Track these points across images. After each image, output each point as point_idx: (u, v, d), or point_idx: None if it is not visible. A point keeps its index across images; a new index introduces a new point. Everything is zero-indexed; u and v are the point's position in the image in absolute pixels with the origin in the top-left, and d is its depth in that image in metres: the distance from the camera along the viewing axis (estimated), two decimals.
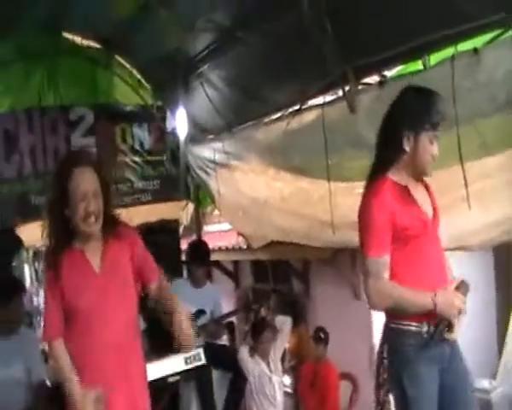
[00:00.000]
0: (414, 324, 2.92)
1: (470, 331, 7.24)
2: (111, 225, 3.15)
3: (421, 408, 2.94)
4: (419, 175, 3.05)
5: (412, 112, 2.94)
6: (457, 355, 3.08)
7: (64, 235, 3.09)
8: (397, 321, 2.98)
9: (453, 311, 2.88)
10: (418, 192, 3.05)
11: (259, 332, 6.01)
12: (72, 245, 3.11)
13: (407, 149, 2.95)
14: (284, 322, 6.25)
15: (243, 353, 5.97)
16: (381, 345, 3.09)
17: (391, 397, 3.19)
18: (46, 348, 3.67)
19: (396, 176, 2.99)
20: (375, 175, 3.03)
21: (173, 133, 7.20)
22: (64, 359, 3.07)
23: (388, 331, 3.05)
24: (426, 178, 3.14)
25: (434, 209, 3.08)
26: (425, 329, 2.91)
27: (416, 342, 2.92)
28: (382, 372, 3.07)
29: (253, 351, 5.97)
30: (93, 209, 3.00)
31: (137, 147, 7.38)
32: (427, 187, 3.13)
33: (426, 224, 2.98)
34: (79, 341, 3.07)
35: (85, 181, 3.02)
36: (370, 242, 2.93)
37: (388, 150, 3.01)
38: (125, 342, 3.15)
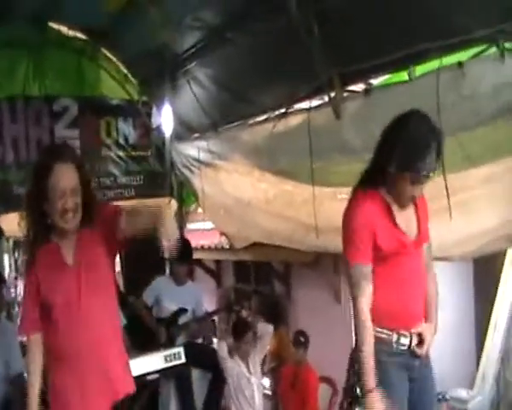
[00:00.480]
0: (385, 331, 3.02)
1: (449, 341, 7.37)
2: (88, 219, 3.12)
3: None
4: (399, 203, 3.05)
5: (400, 148, 2.88)
6: (427, 370, 3.19)
7: (42, 229, 3.10)
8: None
9: None
10: (403, 212, 3.07)
11: (241, 333, 6.03)
12: (50, 239, 3.12)
13: (392, 174, 2.93)
14: (266, 329, 6.29)
15: (222, 349, 6.00)
16: (353, 351, 3.13)
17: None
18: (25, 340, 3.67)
19: (383, 192, 3.03)
20: (365, 185, 3.08)
21: (158, 129, 7.18)
22: (32, 358, 3.12)
23: None
24: None
25: (420, 228, 3.10)
26: (394, 338, 3.02)
27: (386, 348, 3.01)
28: (353, 375, 3.12)
29: (233, 351, 6.00)
30: (70, 206, 3.00)
31: (122, 141, 7.37)
32: (418, 202, 3.12)
33: (404, 244, 3.02)
34: (57, 336, 3.06)
35: (64, 178, 3.00)
36: (353, 249, 2.99)
37: (376, 170, 3.03)
38: (103, 335, 3.12)
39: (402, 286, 3.03)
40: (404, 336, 3.02)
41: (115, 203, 6.60)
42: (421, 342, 3.05)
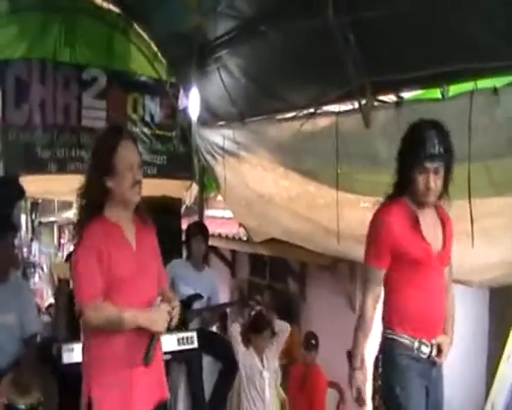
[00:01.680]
0: (407, 337, 3.21)
1: (460, 366, 7.33)
2: (141, 207, 3.28)
3: None
4: (421, 203, 3.23)
5: (406, 147, 3.22)
6: (441, 380, 3.39)
7: (100, 205, 3.16)
8: (392, 332, 3.24)
9: None
10: (428, 221, 3.26)
11: (260, 329, 6.03)
12: (104, 216, 3.16)
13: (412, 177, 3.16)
14: (283, 328, 6.30)
15: (235, 330, 6.03)
16: (377, 354, 3.32)
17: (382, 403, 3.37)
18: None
19: (410, 201, 3.25)
20: (393, 194, 3.31)
21: (184, 112, 7.22)
22: (112, 308, 3.06)
23: (384, 341, 3.30)
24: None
25: (445, 245, 3.29)
26: (416, 345, 3.20)
27: (407, 352, 3.20)
28: (377, 379, 3.26)
29: (249, 343, 6.03)
30: (139, 179, 3.14)
31: (148, 119, 7.44)
32: (444, 220, 3.33)
33: (429, 254, 3.22)
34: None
35: (132, 153, 3.16)
36: (372, 253, 3.29)
37: (399, 178, 3.27)
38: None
39: (428, 297, 3.22)
40: (426, 345, 3.23)
41: None
42: (439, 351, 3.26)
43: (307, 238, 6.37)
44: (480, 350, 8.08)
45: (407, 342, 3.20)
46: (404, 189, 3.24)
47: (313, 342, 7.36)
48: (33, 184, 7.21)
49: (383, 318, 3.32)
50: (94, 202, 3.14)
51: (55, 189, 7.96)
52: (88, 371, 3.17)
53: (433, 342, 3.23)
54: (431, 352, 3.23)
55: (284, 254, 8.31)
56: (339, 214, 5.13)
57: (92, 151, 3.27)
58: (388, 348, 3.26)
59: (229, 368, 6.03)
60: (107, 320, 3.02)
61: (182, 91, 7.17)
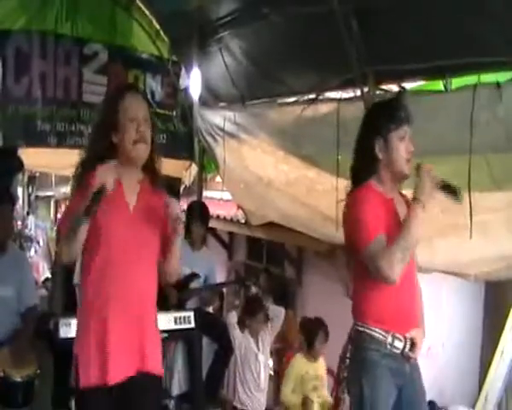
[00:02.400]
0: (381, 332, 3.09)
1: (454, 358, 7.39)
2: (152, 168, 3.16)
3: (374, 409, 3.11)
4: (400, 179, 3.18)
5: (376, 119, 3.19)
6: (417, 373, 3.28)
7: (103, 158, 3.03)
8: (364, 325, 3.13)
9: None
10: (402, 208, 3.18)
11: (254, 312, 6.08)
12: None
13: (380, 156, 3.12)
14: (278, 313, 6.36)
15: (232, 317, 6.10)
16: (346, 345, 3.25)
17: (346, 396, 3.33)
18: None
19: (379, 188, 3.15)
20: (357, 184, 3.21)
21: (186, 92, 7.21)
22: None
23: (355, 333, 3.21)
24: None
25: None
26: (389, 340, 3.10)
27: (379, 348, 3.10)
28: (343, 370, 3.21)
29: (244, 326, 6.08)
30: (143, 133, 3.00)
31: (148, 97, 7.36)
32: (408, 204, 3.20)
33: None
34: (101, 270, 3.05)
35: (138, 105, 3.06)
36: (361, 232, 3.03)
37: (364, 162, 3.20)
38: (145, 289, 3.16)
39: (401, 289, 3.08)
40: (399, 339, 3.12)
41: None
42: (413, 346, 3.14)
43: (305, 224, 6.39)
44: (474, 343, 8.13)
45: (379, 336, 3.09)
46: (366, 175, 3.17)
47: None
48: (32, 157, 7.24)
49: (354, 310, 3.23)
50: (97, 155, 3.04)
51: (54, 162, 7.98)
52: (76, 337, 3.19)
53: (408, 336, 3.13)
54: (404, 347, 3.12)
55: (282, 239, 8.32)
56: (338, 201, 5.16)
57: (100, 106, 3.22)
58: (359, 342, 3.17)
59: (224, 349, 6.08)
60: (68, 234, 2.88)
61: (183, 70, 7.16)
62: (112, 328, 3.04)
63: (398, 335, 3.11)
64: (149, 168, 3.16)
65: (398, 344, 3.11)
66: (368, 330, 3.10)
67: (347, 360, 3.24)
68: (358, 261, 3.14)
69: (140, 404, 3.19)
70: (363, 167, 3.20)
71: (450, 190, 2.98)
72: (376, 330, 3.09)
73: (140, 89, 3.28)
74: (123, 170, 3.05)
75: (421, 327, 3.27)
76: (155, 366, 3.24)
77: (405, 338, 3.13)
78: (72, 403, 5.10)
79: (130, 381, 3.10)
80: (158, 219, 3.15)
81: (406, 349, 3.13)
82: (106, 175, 2.88)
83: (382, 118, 3.14)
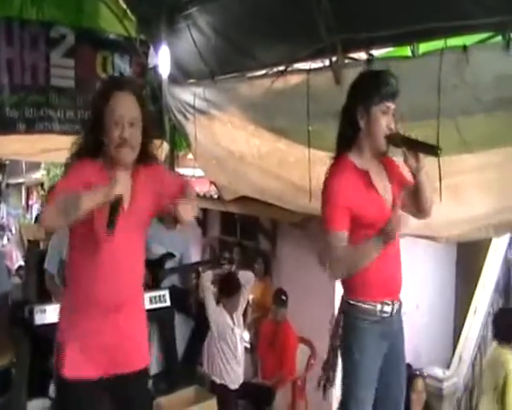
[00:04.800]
0: (370, 302, 3.20)
1: (427, 319, 7.50)
2: (144, 160, 3.09)
3: (363, 372, 3.22)
4: (378, 152, 3.20)
5: (362, 89, 3.19)
6: (401, 328, 3.41)
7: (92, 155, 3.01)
8: (355, 298, 3.23)
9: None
10: (379, 178, 3.24)
11: (231, 291, 6.08)
12: (100, 165, 3.02)
13: (361, 125, 3.16)
14: (247, 278, 6.37)
15: (206, 278, 6.12)
16: (339, 314, 3.34)
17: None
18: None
19: (357, 159, 3.20)
20: (337, 155, 3.27)
21: (155, 70, 7.14)
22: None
23: (345, 304, 3.29)
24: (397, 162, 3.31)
25: (394, 199, 3.21)
26: (378, 308, 3.21)
27: (369, 317, 3.21)
28: (336, 338, 3.28)
29: (220, 302, 6.09)
30: (127, 137, 2.92)
31: None
32: (387, 167, 3.29)
33: (383, 209, 3.15)
34: (89, 267, 3.04)
35: (124, 106, 2.94)
36: (331, 217, 3.11)
37: (346, 129, 3.24)
38: (131, 283, 3.16)
39: (386, 258, 3.15)
40: (387, 304, 3.24)
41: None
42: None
43: (278, 196, 6.40)
44: (448, 305, 8.27)
45: (370, 307, 3.20)
46: (347, 143, 3.22)
47: (283, 298, 7.45)
48: (1, 145, 7.15)
49: (343, 285, 3.31)
50: (88, 150, 3.02)
51: (24, 149, 7.86)
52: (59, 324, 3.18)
53: (395, 300, 3.26)
54: (393, 309, 3.25)
55: (255, 212, 8.32)
56: (310, 172, 5.16)
57: (90, 102, 3.15)
58: (349, 311, 3.26)
59: (201, 324, 6.10)
60: (65, 203, 2.75)
61: (152, 49, 7.09)
62: (98, 325, 3.07)
63: (386, 301, 3.23)
64: (142, 157, 3.07)
65: (387, 309, 3.24)
66: (358, 304, 3.21)
67: (340, 329, 3.28)
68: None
69: (131, 398, 3.26)
70: (346, 135, 3.24)
71: (427, 147, 3.03)
72: (366, 301, 3.20)
73: (133, 83, 3.12)
74: (110, 168, 2.99)
75: None
76: (144, 359, 3.32)
77: (393, 302, 3.25)
78: (51, 390, 5.11)
79: (121, 376, 3.15)
80: (153, 199, 3.15)
81: (395, 311, 3.26)
82: (122, 186, 2.80)
83: (368, 89, 3.15)
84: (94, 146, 3.00)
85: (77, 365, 3.04)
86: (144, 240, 3.26)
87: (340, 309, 3.33)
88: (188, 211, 2.95)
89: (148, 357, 3.38)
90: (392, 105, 3.12)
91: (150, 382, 5.95)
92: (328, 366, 3.44)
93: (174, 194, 3.11)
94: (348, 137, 3.22)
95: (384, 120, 3.10)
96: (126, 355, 3.17)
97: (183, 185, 3.21)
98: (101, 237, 2.92)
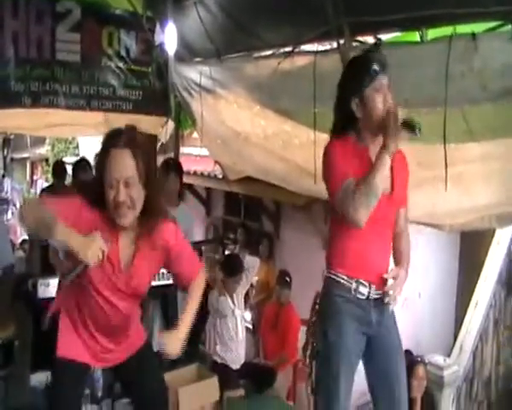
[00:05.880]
0: (345, 277, 3.17)
1: (429, 307, 7.51)
2: (149, 221, 2.98)
3: (338, 355, 3.17)
4: (379, 133, 3.11)
5: (350, 76, 3.20)
6: (391, 322, 3.34)
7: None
8: (332, 271, 3.22)
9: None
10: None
11: (233, 272, 6.10)
12: (106, 215, 2.92)
13: (358, 114, 3.13)
14: (253, 263, 6.40)
15: (212, 297, 6.14)
16: (318, 291, 3.29)
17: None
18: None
19: (355, 140, 3.18)
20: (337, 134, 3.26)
21: (161, 47, 7.12)
22: (51, 211, 2.77)
23: (325, 278, 3.28)
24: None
25: (393, 185, 3.22)
26: (354, 286, 3.16)
27: (344, 294, 3.17)
28: (314, 315, 3.27)
29: (220, 283, 6.12)
30: (123, 199, 2.80)
31: (123, 54, 7.30)
32: (394, 161, 3.18)
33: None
34: (84, 301, 3.11)
35: (119, 166, 2.80)
36: (332, 179, 3.09)
37: (344, 121, 3.23)
38: (126, 315, 3.23)
39: (370, 238, 3.14)
40: (364, 285, 3.17)
41: None
42: (385, 290, 3.19)
43: (282, 177, 6.38)
44: (450, 293, 8.28)
45: (344, 282, 3.16)
46: (347, 124, 3.20)
47: (287, 279, 7.48)
48: (6, 119, 7.15)
49: (326, 257, 3.30)
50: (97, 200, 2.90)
51: (29, 123, 7.88)
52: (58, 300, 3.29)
53: (373, 282, 3.18)
54: (370, 292, 3.18)
55: (259, 193, 8.34)
56: (315, 155, 5.15)
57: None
58: (326, 288, 3.26)
59: (203, 305, 6.11)
60: (41, 217, 2.72)
61: (158, 26, 7.06)
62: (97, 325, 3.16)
63: (362, 281, 3.17)
64: (146, 219, 2.98)
65: (363, 290, 3.17)
66: (333, 276, 3.19)
67: (317, 305, 3.29)
68: (331, 208, 3.24)
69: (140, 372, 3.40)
70: (343, 126, 3.23)
71: (408, 126, 2.97)
72: (341, 275, 3.17)
73: (130, 137, 2.92)
74: (115, 229, 2.95)
75: (403, 266, 3.32)
76: (139, 341, 3.45)
77: (371, 284, 3.18)
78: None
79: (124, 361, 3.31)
80: (157, 268, 3.26)
81: (371, 296, 3.19)
82: (92, 252, 2.73)
83: (354, 75, 3.15)
84: (100, 201, 2.90)
85: (71, 347, 3.14)
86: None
87: (322, 284, 3.32)
88: (172, 349, 3.13)
89: (142, 338, 3.50)
90: (383, 79, 3.08)
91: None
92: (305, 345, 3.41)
93: (182, 272, 3.30)
94: (347, 127, 3.20)
95: (380, 98, 3.07)
96: (120, 352, 3.31)
97: (191, 276, 3.37)
98: (95, 288, 3.00)
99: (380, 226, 3.16)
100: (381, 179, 2.98)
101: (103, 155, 2.85)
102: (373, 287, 3.19)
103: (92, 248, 2.70)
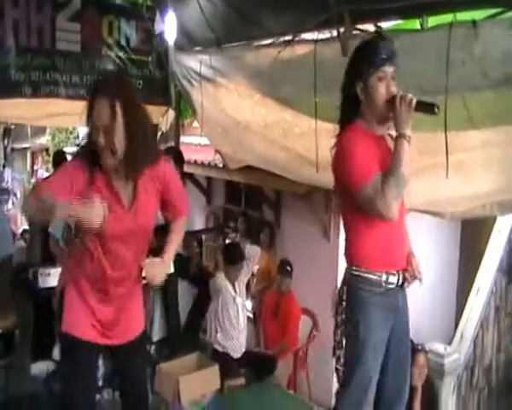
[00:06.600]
0: (374, 273, 3.15)
1: (430, 295, 7.52)
2: (135, 164, 3.08)
3: (370, 352, 3.18)
4: (381, 119, 3.13)
5: (356, 62, 3.17)
6: (406, 302, 3.37)
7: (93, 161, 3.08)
8: (359, 268, 3.17)
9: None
10: (384, 146, 3.21)
11: (234, 260, 6.12)
12: (102, 166, 3.08)
13: (362, 98, 3.13)
14: (254, 251, 6.41)
15: (219, 280, 6.14)
16: (341, 287, 3.29)
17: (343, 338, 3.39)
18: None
19: (366, 127, 3.17)
20: (344, 125, 3.24)
21: (161, 36, 7.11)
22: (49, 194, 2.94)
23: (349, 276, 3.23)
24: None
25: None
26: (384, 278, 3.15)
27: (374, 289, 3.15)
28: (340, 313, 3.26)
29: (222, 270, 6.13)
30: (103, 143, 2.98)
31: (123, 43, 7.27)
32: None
33: None
34: (91, 262, 3.18)
35: (99, 113, 2.96)
36: (356, 174, 3.02)
37: (349, 105, 3.22)
38: (132, 276, 3.32)
39: (391, 228, 3.13)
40: (393, 274, 3.18)
41: None
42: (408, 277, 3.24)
43: (283, 166, 6.38)
44: (451, 281, 8.30)
45: (374, 277, 3.14)
46: (355, 114, 3.18)
47: (288, 268, 7.49)
48: (7, 109, 7.13)
49: (347, 254, 3.27)
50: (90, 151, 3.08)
51: (29, 113, 7.85)
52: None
53: (400, 270, 3.20)
54: (398, 279, 3.19)
55: (260, 182, 8.33)
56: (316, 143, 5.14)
57: None
58: (353, 284, 3.19)
59: (204, 292, 6.13)
60: (42, 204, 2.86)
61: (158, 15, 7.04)
62: (99, 295, 3.24)
63: (391, 271, 3.18)
64: (137, 161, 3.08)
65: (393, 279, 3.18)
66: (362, 274, 3.15)
67: (344, 303, 3.24)
68: (351, 204, 3.14)
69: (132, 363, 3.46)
70: (349, 110, 3.22)
71: (426, 106, 2.98)
72: (371, 271, 3.15)
73: (107, 86, 3.07)
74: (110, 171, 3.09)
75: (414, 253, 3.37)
76: (140, 327, 3.48)
77: (399, 271, 3.20)
78: (55, 353, 5.21)
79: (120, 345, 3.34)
80: (155, 197, 3.31)
81: (400, 281, 3.21)
82: (96, 213, 2.90)
83: (361, 61, 3.12)
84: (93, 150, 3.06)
85: (77, 325, 3.20)
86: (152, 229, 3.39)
87: (343, 281, 3.28)
88: (155, 275, 3.23)
89: (142, 324, 3.52)
90: (388, 69, 3.07)
91: (153, 347, 6.05)
92: (336, 343, 3.41)
93: (170, 206, 3.41)
94: (352, 112, 3.19)
95: (382, 87, 3.06)
96: (122, 328, 3.33)
97: (179, 211, 3.51)
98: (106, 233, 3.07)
99: (400, 211, 3.14)
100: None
101: (90, 102, 3.01)
102: (401, 274, 3.21)
103: (94, 213, 2.88)
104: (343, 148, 3.12)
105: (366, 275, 3.15)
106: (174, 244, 3.50)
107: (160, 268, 3.29)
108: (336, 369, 3.35)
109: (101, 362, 4.64)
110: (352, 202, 3.09)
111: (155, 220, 3.36)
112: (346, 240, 3.31)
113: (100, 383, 4.81)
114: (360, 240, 3.20)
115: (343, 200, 3.31)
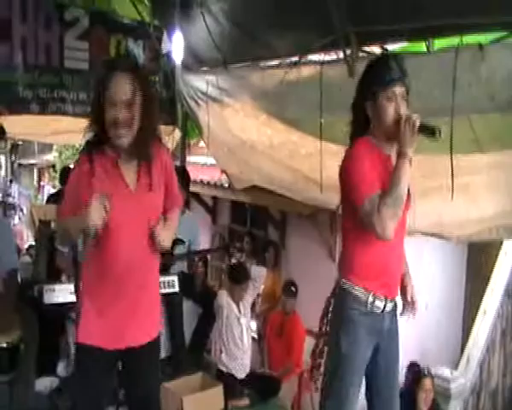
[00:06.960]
0: (362, 290, 3.14)
1: (436, 319, 7.47)
2: (148, 141, 3.09)
3: (350, 367, 3.18)
4: (392, 139, 3.09)
5: (365, 81, 3.16)
6: (395, 331, 3.32)
7: (98, 139, 3.08)
8: (348, 282, 3.17)
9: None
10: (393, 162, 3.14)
11: (240, 280, 6.09)
12: (105, 151, 3.08)
13: (371, 116, 3.13)
14: (259, 272, 6.38)
15: (221, 297, 6.11)
16: (329, 298, 3.27)
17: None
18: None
19: (375, 143, 3.14)
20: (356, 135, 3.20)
21: (168, 56, 7.15)
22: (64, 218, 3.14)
23: (338, 289, 3.23)
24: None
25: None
26: (370, 300, 3.14)
27: (359, 307, 3.14)
28: (325, 323, 3.23)
29: (227, 291, 6.11)
30: (122, 118, 2.95)
31: None
32: None
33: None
34: (101, 254, 3.13)
35: (119, 88, 2.96)
36: (358, 188, 3.00)
37: (359, 123, 3.20)
38: (145, 259, 3.24)
39: (388, 249, 3.11)
40: (380, 299, 3.15)
41: None
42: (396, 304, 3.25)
43: (288, 187, 6.40)
44: (457, 305, 8.25)
45: (361, 295, 3.13)
46: (364, 132, 3.16)
47: (293, 289, 7.46)
48: (14, 125, 7.15)
49: (340, 265, 3.27)
50: (95, 135, 3.08)
51: (37, 130, 7.89)
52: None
53: (389, 297, 3.18)
54: (385, 306, 3.17)
55: (265, 202, 8.34)
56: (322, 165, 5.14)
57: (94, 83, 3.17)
58: (341, 299, 3.21)
59: (208, 312, 6.11)
60: (63, 231, 3.12)
61: (165, 35, 7.08)
62: (113, 296, 3.18)
63: (379, 295, 3.14)
64: (145, 140, 3.07)
65: (379, 304, 3.15)
66: (350, 289, 3.15)
67: (329, 314, 3.24)
68: (349, 217, 3.16)
69: (143, 370, 3.39)
70: (359, 128, 3.20)
71: (428, 130, 2.94)
72: (359, 288, 3.13)
73: (131, 63, 3.13)
74: (116, 150, 3.07)
75: (407, 271, 3.38)
76: (155, 330, 3.44)
77: (386, 299, 3.16)
78: (59, 369, 5.19)
79: (134, 349, 3.26)
80: (159, 178, 3.23)
81: (386, 310, 3.18)
82: (96, 214, 2.91)
83: (370, 79, 3.12)
84: (98, 130, 3.06)
85: (90, 333, 3.18)
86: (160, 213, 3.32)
87: (332, 292, 3.34)
88: (163, 238, 3.17)
89: (158, 324, 3.50)
90: (398, 89, 3.04)
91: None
92: (318, 352, 3.39)
93: (170, 195, 3.35)
94: (362, 130, 3.17)
95: (391, 107, 3.04)
96: (138, 328, 3.27)
97: (176, 201, 3.46)
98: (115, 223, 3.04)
99: (398, 232, 3.09)
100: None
101: (103, 79, 2.99)
102: (388, 300, 3.18)
103: (92, 213, 2.89)
104: (350, 160, 3.11)
105: (353, 291, 3.14)
106: (174, 221, 3.42)
107: (168, 231, 3.23)
108: (313, 376, 3.34)
109: None
110: (353, 212, 3.06)
111: (161, 207, 3.31)
112: (342, 249, 3.32)
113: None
114: (354, 252, 3.19)
115: (345, 208, 3.28)
